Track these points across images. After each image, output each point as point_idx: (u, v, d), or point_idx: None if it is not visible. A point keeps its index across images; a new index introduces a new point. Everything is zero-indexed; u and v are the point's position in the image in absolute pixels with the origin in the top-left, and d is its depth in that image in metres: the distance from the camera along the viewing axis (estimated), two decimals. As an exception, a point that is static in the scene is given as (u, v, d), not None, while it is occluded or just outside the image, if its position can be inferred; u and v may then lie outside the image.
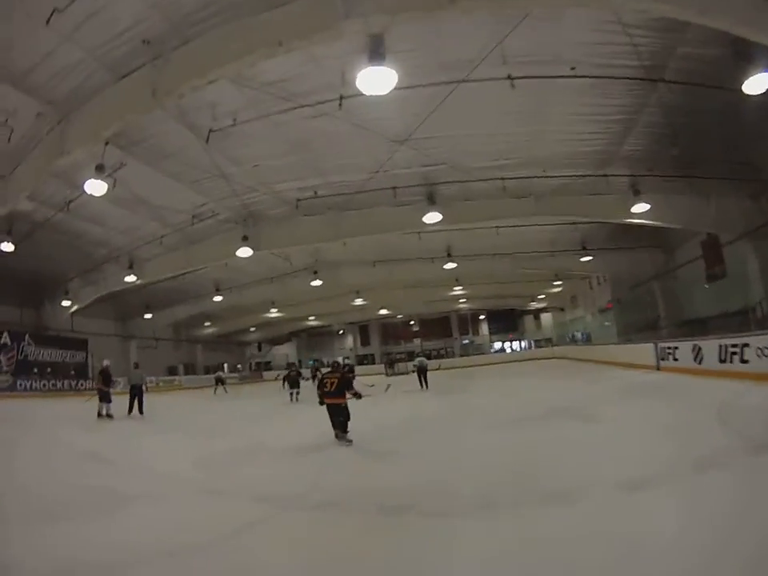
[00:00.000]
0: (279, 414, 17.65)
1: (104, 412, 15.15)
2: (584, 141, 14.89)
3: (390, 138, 13.44)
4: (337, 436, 9.34)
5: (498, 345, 56.30)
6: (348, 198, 17.40)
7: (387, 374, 37.16)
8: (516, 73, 11.08)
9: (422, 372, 22.67)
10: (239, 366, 55.00)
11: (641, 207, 16.99)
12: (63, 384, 28.44)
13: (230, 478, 7.60)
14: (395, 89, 9.67)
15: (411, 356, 39.27)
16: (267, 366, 57.35)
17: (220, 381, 33.38)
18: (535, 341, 52.75)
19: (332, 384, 9.45)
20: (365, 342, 58.93)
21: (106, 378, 15.66)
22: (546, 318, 52.67)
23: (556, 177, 16.88)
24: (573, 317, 44.08)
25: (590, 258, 26.53)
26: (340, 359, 52.04)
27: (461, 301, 44.60)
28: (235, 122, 12.44)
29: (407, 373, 32.81)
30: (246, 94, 11.38)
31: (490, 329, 56.48)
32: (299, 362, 55.86)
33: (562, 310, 47.41)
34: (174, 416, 18.10)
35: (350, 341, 59.22)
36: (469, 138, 14.20)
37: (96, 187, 13.24)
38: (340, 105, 11.34)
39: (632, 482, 5.37)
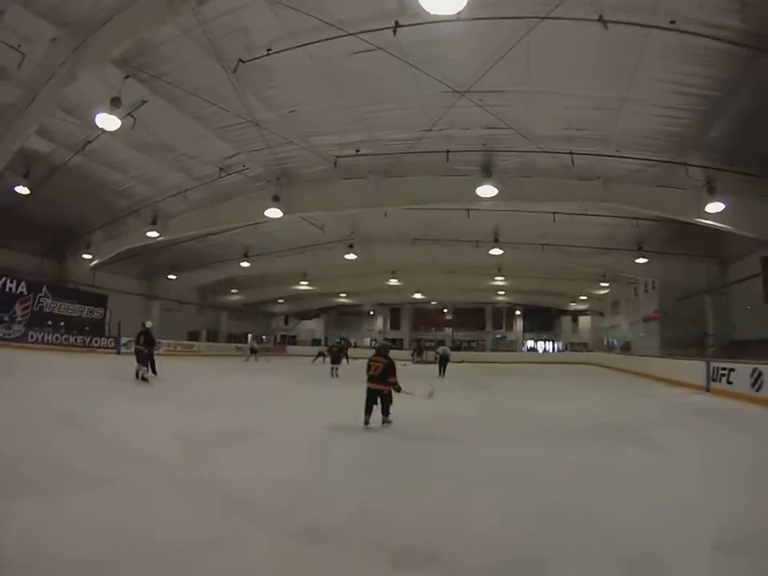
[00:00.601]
0: (292, 392, 15.98)
1: (141, 374, 14.62)
2: (666, 117, 12.69)
3: (450, 85, 11.49)
4: (367, 422, 8.98)
5: (530, 343, 54.40)
6: (394, 160, 15.52)
7: (414, 362, 36.16)
8: (608, 16, 9.04)
9: (443, 361, 23.67)
10: (264, 337, 53.63)
11: (715, 207, 14.95)
12: (76, 339, 27.66)
13: (209, 468, 6.13)
14: (463, 19, 7.97)
15: (441, 344, 38.39)
16: (293, 339, 56.07)
17: (253, 350, 34.27)
18: (570, 344, 50.29)
19: (376, 369, 9.12)
20: (395, 325, 57.30)
21: (148, 339, 15.08)
22: (584, 321, 50.12)
23: (629, 159, 14.68)
24: (612, 323, 41.88)
25: (646, 260, 24.18)
26: (367, 341, 51.16)
27: (499, 293, 42.25)
28: (269, 51, 10.63)
29: (435, 362, 31.21)
30: (283, 17, 9.61)
31: (524, 326, 54.39)
32: (326, 339, 55.40)
33: (602, 314, 45.03)
34: (180, 385, 16.16)
35: (379, 323, 57.58)
36: (541, 98, 12.10)
37: (108, 122, 12.02)
38: (394, 32, 9.38)
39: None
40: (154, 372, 15.33)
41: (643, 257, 23.98)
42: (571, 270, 28.82)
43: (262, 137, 14.84)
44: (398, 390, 9.16)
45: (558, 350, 51.24)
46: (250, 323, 51.03)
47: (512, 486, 5.70)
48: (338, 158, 15.72)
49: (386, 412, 9.12)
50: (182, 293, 38.34)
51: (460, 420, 10.68)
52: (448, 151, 14.67)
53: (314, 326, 58.47)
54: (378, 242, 26.40)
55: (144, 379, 14.45)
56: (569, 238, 23.48)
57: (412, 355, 38.64)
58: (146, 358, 14.87)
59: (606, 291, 36.60)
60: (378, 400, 9.03)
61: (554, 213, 19.21)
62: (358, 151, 15.30)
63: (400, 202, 17.21)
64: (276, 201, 17.59)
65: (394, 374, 9.10)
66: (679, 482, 5.99)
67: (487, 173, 15.05)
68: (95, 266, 28.42)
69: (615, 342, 40.57)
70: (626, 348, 36.84)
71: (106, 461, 6.09)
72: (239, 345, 43.56)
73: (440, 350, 25.20)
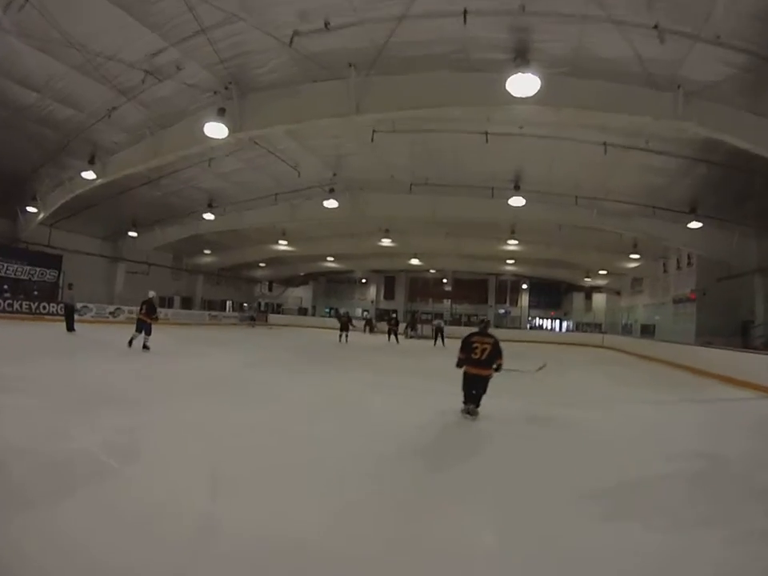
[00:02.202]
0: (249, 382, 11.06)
1: (136, 342, 14.59)
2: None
3: None
4: (469, 412, 7.85)
5: (536, 321, 49.77)
6: (381, 40, 10.49)
7: (407, 335, 33.83)
8: None
9: (438, 331, 27.53)
10: (245, 304, 48.92)
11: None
12: (21, 306, 24.28)
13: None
14: None
15: (440, 317, 37.10)
16: (278, 308, 51.27)
17: (252, 318, 39.16)
18: (580, 324, 45.31)
19: (483, 351, 7.81)
20: (389, 295, 52.46)
21: (150, 308, 15.10)
22: (598, 299, 44.78)
23: (730, 50, 9.78)
24: (631, 303, 37.18)
25: (700, 225, 19.25)
26: (358, 311, 46.97)
27: (507, 262, 37.16)
28: None
29: (430, 337, 30.22)
30: None
31: (530, 301, 49.62)
32: (314, 307, 52.67)
33: (618, 293, 40.40)
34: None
35: (372, 292, 52.66)
36: None
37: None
38: None
39: None
40: (71, 329, 16.39)
41: (697, 221, 19.02)
42: (600, 234, 23.98)
43: (193, 16, 9.95)
44: (499, 369, 7.99)
45: (568, 330, 46.37)
46: (230, 289, 46.69)
47: None
48: (300, 36, 10.51)
49: (479, 401, 7.96)
50: (152, 254, 33.97)
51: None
52: (465, 12, 9.33)
53: (301, 294, 54.22)
54: (366, 188, 21.55)
55: (146, 347, 14.47)
56: (608, 190, 18.58)
57: (405, 329, 34.54)
58: (144, 327, 14.80)
59: (635, 264, 31.30)
60: (478, 385, 7.88)
61: (604, 144, 14.20)
62: (327, 25, 10.08)
63: (392, 106, 11.80)
64: (222, 114, 12.84)
65: (501, 355, 7.95)
66: None
67: (522, 59, 9.93)
68: (51, 224, 25.47)
69: (633, 324, 36.09)
70: (646, 332, 32.48)
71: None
72: (213, 313, 39.17)
73: (435, 322, 29.37)
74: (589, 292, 44.99)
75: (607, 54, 10.28)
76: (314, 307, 53.18)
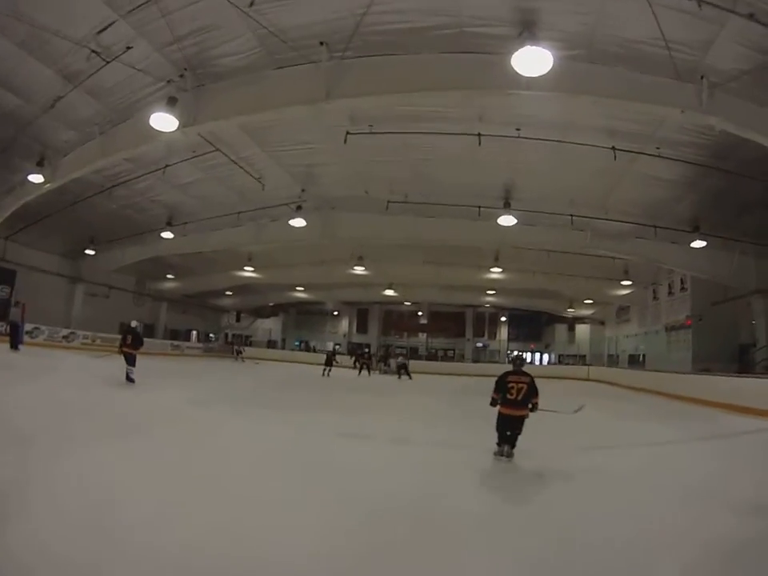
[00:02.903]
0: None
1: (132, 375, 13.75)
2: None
3: None
4: (503, 453, 7.30)
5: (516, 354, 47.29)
6: (360, 18, 8.72)
7: (380, 371, 31.97)
8: None
9: (401, 367, 28.48)
10: (212, 335, 46.43)
11: None
12: None
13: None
14: None
15: (414, 352, 39.93)
16: (247, 340, 48.65)
17: (239, 352, 36.22)
18: (562, 356, 43.45)
19: (519, 391, 7.25)
20: (361, 328, 50.21)
21: (136, 339, 14.18)
22: (581, 330, 42.88)
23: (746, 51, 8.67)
24: (617, 333, 35.44)
25: (704, 244, 17.71)
26: (330, 345, 44.98)
27: (488, 292, 35.21)
28: None
29: (409, 376, 28.84)
30: None
31: (509, 334, 47.79)
32: (283, 340, 50.34)
33: (602, 323, 38.73)
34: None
35: (344, 325, 50.48)
36: None
37: None
38: None
39: None
40: (15, 347, 15.80)
41: (701, 239, 17.48)
42: (591, 260, 22.47)
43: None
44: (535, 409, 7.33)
45: (550, 362, 44.48)
46: (197, 318, 43.94)
47: None
48: (261, 4, 8.66)
49: (515, 442, 7.32)
50: (114, 277, 31.41)
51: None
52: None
53: (271, 326, 51.28)
54: (338, 208, 19.71)
55: (130, 380, 13.53)
56: (607, 208, 17.00)
57: (378, 363, 32.86)
58: (132, 359, 13.89)
59: (626, 292, 29.72)
60: (514, 426, 7.26)
61: (612, 148, 12.54)
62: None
63: (369, 90, 9.93)
64: (172, 105, 10.98)
65: (537, 394, 7.31)
66: None
67: (530, 33, 8.16)
68: (7, 236, 23.57)
69: (619, 355, 34.27)
70: (634, 362, 30.82)
71: None
72: (176, 342, 36.71)
73: (399, 360, 30.10)
74: (572, 323, 43.16)
75: (629, 33, 8.68)
76: (283, 340, 50.75)
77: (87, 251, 27.10)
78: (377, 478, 5.89)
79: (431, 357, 43.52)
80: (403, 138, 13.09)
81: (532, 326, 46.81)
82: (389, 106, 11.64)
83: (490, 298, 37.25)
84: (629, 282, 26.65)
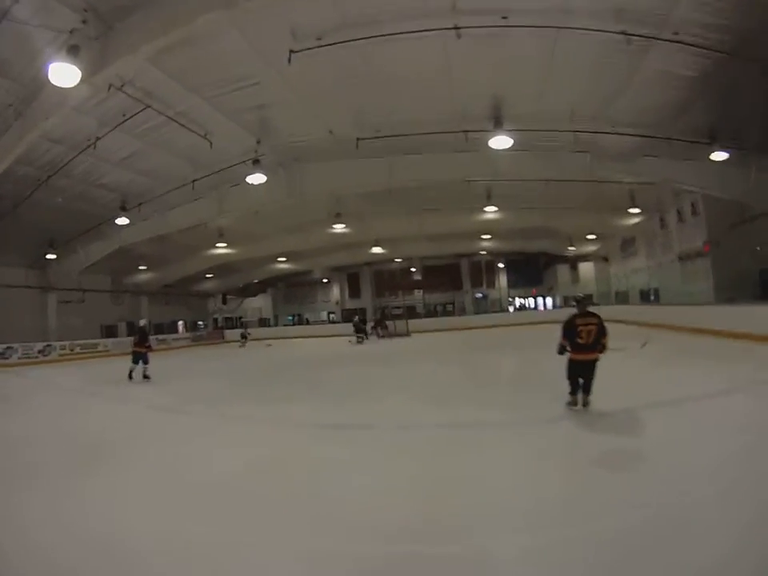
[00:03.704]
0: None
1: (134, 374, 14.36)
2: None
3: None
4: (576, 403, 7.18)
5: (518, 301, 45.70)
6: None
7: (378, 335, 30.94)
8: None
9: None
10: (201, 323, 44.27)
11: None
12: None
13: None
14: None
15: (413, 311, 38.05)
16: (239, 322, 46.57)
17: (243, 336, 33.21)
18: (567, 298, 40.72)
19: (589, 333, 6.97)
20: (354, 293, 47.75)
21: (142, 337, 14.78)
22: (585, 268, 40.48)
23: None
24: (623, 268, 33.36)
25: (726, 155, 15.18)
26: (324, 314, 44.85)
27: (483, 237, 32.90)
28: None
29: (408, 334, 30.66)
30: None
31: (508, 281, 45.40)
32: (276, 317, 48.32)
33: (606, 260, 36.68)
34: None
35: (336, 292, 48.15)
36: None
37: None
38: None
39: None
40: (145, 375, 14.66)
41: (722, 150, 14.96)
42: (592, 188, 20.07)
43: None
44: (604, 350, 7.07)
45: (555, 307, 41.94)
46: (181, 308, 41.72)
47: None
48: None
49: (590, 389, 7.07)
50: (86, 279, 29.29)
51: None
52: None
53: (260, 303, 49.58)
54: (302, 159, 17.24)
55: (146, 377, 14.21)
56: (613, 120, 14.39)
57: (374, 328, 31.51)
58: (141, 357, 14.38)
59: (638, 219, 26.96)
60: (589, 371, 6.97)
61: (623, 33, 9.97)
62: None
63: None
64: (73, 54, 9.01)
65: (606, 334, 7.05)
66: None
67: None
68: None
69: (629, 291, 32.54)
70: (646, 298, 29.12)
71: None
72: (161, 336, 34.13)
73: (355, 319, 29.77)
74: (574, 262, 40.74)
75: None
76: (275, 317, 48.68)
77: (48, 256, 25.32)
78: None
79: (430, 314, 41.36)
80: (362, 50, 10.46)
81: (531, 270, 44.44)
82: (337, 8, 9.14)
83: (486, 243, 34.87)
84: (637, 210, 23.98)
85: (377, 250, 32.89)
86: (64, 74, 9.30)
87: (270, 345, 29.61)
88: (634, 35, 10.15)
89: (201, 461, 5.91)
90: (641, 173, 17.71)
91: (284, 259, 36.48)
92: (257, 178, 15.48)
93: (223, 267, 34.97)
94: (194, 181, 17.83)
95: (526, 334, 24.36)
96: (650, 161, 16.61)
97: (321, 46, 9.94)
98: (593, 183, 19.08)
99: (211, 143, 14.70)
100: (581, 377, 7.03)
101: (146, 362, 14.35)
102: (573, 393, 7.15)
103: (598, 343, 6.94)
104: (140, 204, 20.04)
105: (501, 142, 13.77)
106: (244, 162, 15.92)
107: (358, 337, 27.06)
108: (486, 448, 5.72)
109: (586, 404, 7.04)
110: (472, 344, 22.17)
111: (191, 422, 8.47)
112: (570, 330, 7.04)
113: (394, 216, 24.60)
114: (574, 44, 10.62)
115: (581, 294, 7.72)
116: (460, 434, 6.37)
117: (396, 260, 43.70)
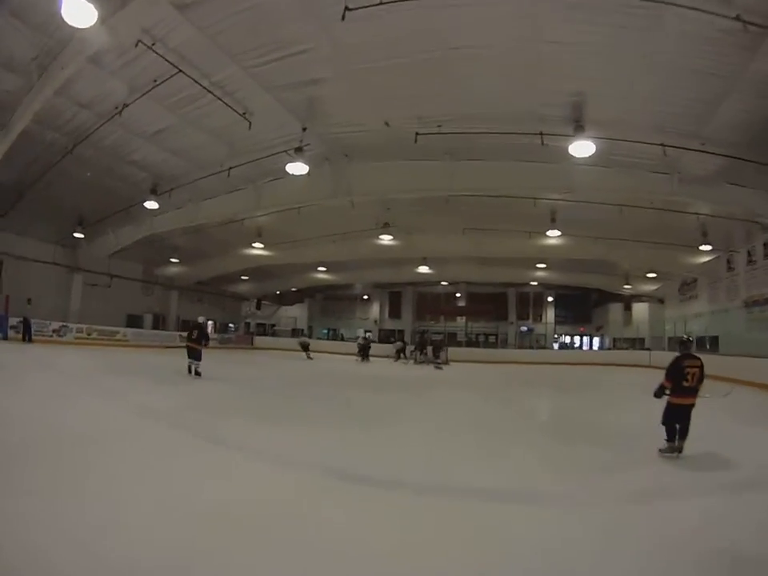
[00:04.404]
0: None
1: (193, 369, 14.52)
2: None
3: None
4: (675, 449, 6.78)
5: (564, 339, 43.35)
6: None
7: (416, 360, 28.89)
8: None
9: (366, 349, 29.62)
10: (231, 325, 43.08)
11: None
12: None
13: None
14: None
15: (453, 338, 37.19)
16: (271, 329, 45.44)
17: (304, 346, 29.65)
18: (617, 340, 38.34)
19: (694, 376, 6.72)
20: (394, 312, 46.05)
21: (201, 335, 14.96)
22: (639, 309, 37.56)
23: None
24: (681, 312, 30.40)
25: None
26: (361, 332, 42.93)
27: (538, 266, 30.73)
28: None
29: (447, 362, 28.16)
30: None
31: (556, 316, 43.01)
32: (310, 328, 46.74)
33: (661, 302, 33.96)
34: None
35: (375, 310, 46.50)
36: None
37: None
38: None
39: None
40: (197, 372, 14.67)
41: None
42: (666, 218, 18.03)
43: None
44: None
45: (602, 348, 39.71)
46: (214, 307, 40.45)
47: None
48: None
49: (686, 434, 6.78)
50: (118, 265, 28.95)
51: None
52: None
53: (296, 313, 48.13)
54: (353, 155, 15.56)
55: (197, 374, 14.37)
56: (704, 137, 12.23)
57: (413, 352, 29.84)
58: (198, 354, 14.54)
59: (708, 258, 24.46)
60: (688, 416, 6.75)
61: (737, 18, 7.83)
62: None
63: None
64: None
65: (704, 377, 6.84)
66: None
67: None
68: None
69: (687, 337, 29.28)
70: (702, 346, 25.73)
71: None
72: (183, 333, 32.92)
73: (360, 340, 31.44)
74: (628, 302, 38.15)
75: None
76: (309, 328, 47.10)
77: (76, 234, 24.61)
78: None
79: (471, 343, 39.31)
80: (428, 15, 8.68)
81: (580, 307, 42.11)
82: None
83: (538, 272, 32.59)
84: (708, 248, 21.52)
85: (423, 269, 31.10)
86: (79, 12, 8.14)
87: (311, 358, 28.21)
88: (750, 23, 8.03)
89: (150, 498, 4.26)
90: (725, 201, 15.54)
91: (324, 269, 35.04)
92: (299, 168, 13.71)
93: (259, 270, 33.76)
94: (230, 168, 16.41)
95: (578, 373, 22.96)
96: (734, 189, 14.62)
97: (381, 3, 8.16)
98: (664, 212, 17.18)
99: (250, 123, 13.13)
100: (678, 422, 6.76)
101: (198, 359, 14.48)
102: (670, 439, 6.84)
103: (697, 387, 6.75)
104: (171, 189, 18.87)
105: (583, 148, 11.72)
106: (286, 151, 14.30)
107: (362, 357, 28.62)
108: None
109: (681, 450, 6.76)
110: (518, 379, 20.68)
111: (175, 438, 6.78)
112: (676, 371, 6.75)
113: (447, 232, 22.76)
114: (673, 32, 8.61)
115: (686, 336, 7.29)
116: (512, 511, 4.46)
117: (442, 283, 42.07)
